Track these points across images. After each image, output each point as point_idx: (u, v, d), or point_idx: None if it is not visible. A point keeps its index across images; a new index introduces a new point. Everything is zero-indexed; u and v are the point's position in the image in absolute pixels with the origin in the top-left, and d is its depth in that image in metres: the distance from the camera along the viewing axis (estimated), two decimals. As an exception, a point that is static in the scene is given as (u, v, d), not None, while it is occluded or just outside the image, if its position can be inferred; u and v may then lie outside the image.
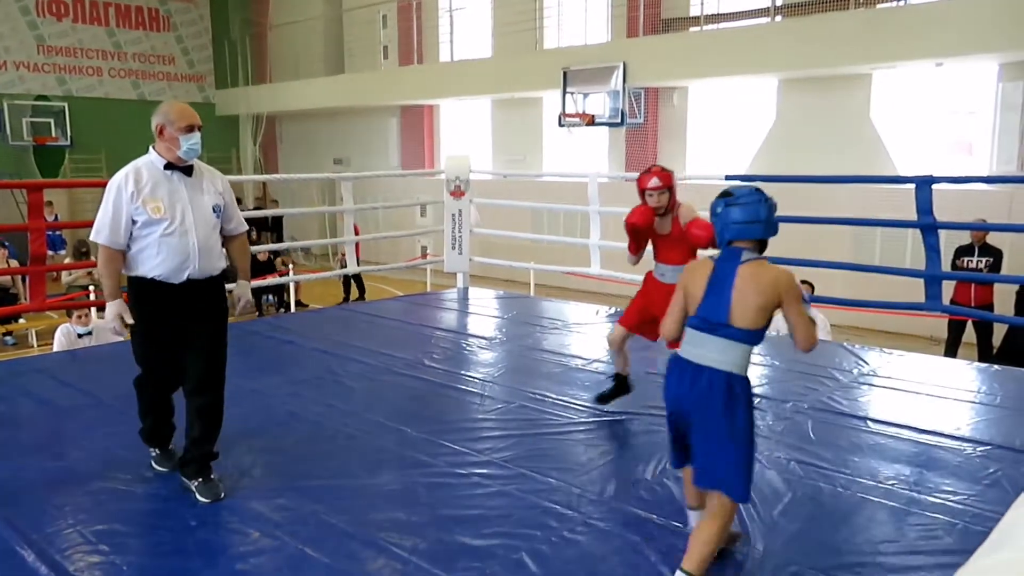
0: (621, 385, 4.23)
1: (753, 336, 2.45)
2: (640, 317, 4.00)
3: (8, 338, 10.28)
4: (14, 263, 10.90)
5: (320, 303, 12.12)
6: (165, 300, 3.22)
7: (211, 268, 3.30)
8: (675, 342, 2.65)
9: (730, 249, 2.53)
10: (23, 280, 10.01)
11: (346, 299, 12.21)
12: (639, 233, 3.94)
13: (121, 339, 3.40)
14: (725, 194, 2.58)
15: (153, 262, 3.18)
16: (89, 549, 2.78)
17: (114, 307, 3.21)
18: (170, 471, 3.43)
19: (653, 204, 3.83)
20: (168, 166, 3.21)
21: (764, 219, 2.50)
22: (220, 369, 3.45)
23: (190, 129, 3.20)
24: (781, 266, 2.52)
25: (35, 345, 9.87)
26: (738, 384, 2.45)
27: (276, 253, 12.81)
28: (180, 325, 3.26)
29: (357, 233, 12.04)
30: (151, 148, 3.26)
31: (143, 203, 3.15)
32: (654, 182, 3.80)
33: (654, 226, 3.91)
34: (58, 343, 6.45)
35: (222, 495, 3.19)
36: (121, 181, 3.15)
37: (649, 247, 4.08)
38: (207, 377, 3.36)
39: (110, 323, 3.23)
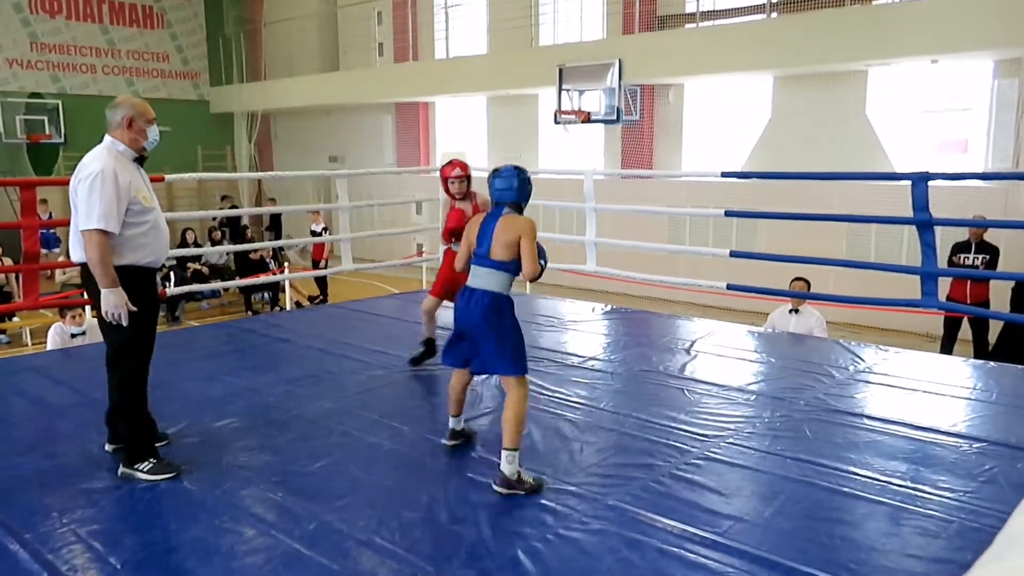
0: (430, 348, 4.97)
1: (508, 266, 3.31)
2: (446, 287, 4.73)
3: (2, 336, 10.25)
4: (8, 261, 10.85)
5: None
6: (151, 284, 3.44)
7: None
8: (465, 274, 3.47)
9: (496, 207, 3.45)
10: (16, 278, 9.96)
11: (323, 298, 12.03)
12: (459, 231, 4.10)
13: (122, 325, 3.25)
14: (495, 171, 3.50)
15: (146, 249, 3.33)
16: (82, 548, 2.76)
17: (119, 294, 3.20)
18: (173, 478, 3.31)
19: (455, 191, 4.67)
20: (135, 158, 3.39)
21: (515, 188, 3.44)
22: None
23: (153, 121, 3.44)
24: (526, 217, 3.42)
25: (29, 343, 9.84)
26: (502, 301, 3.31)
27: (273, 251, 12.79)
28: (152, 308, 3.47)
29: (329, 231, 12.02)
30: (112, 139, 3.34)
31: (136, 192, 3.29)
32: (457, 172, 4.68)
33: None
34: (51, 342, 6.41)
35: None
36: (112, 170, 3.20)
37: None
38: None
39: (116, 310, 3.19)
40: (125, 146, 3.35)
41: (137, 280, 3.30)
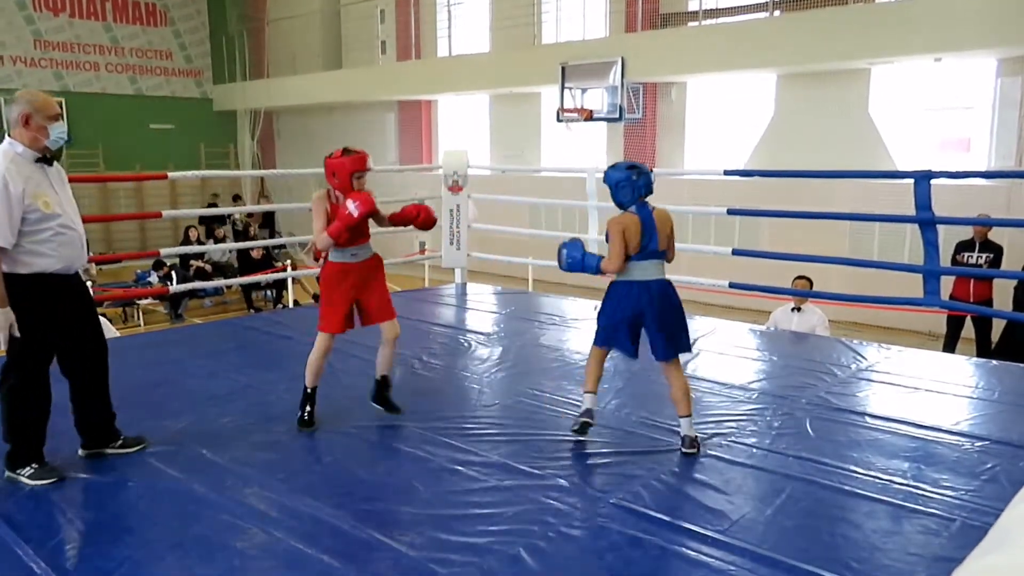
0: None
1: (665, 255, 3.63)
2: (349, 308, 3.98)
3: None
4: None
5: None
6: (60, 293, 3.22)
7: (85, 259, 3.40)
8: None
9: (642, 205, 3.54)
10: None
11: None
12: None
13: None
14: (633, 167, 3.56)
15: (51, 257, 3.14)
16: (84, 545, 2.77)
17: (4, 315, 3.05)
18: (56, 481, 3.22)
19: (359, 186, 3.88)
20: (38, 159, 3.15)
21: (653, 182, 3.61)
22: (106, 350, 3.53)
23: (56, 117, 3.16)
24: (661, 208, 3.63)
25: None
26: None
27: (268, 249, 12.80)
28: (71, 317, 3.29)
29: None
30: (10, 140, 3.11)
31: (34, 198, 3.06)
32: (369, 163, 3.96)
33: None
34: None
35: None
36: (4, 175, 2.99)
37: None
38: (102, 356, 3.46)
39: (2, 332, 3.06)
40: (24, 147, 3.10)
41: (41, 289, 3.12)
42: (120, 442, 3.56)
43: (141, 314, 11.24)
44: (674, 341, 3.61)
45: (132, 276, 12.94)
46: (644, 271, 3.54)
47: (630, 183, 3.53)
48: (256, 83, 18.26)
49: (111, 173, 16.76)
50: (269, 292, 12.37)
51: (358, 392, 4.48)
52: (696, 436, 3.62)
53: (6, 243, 3.01)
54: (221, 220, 14.50)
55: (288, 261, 12.83)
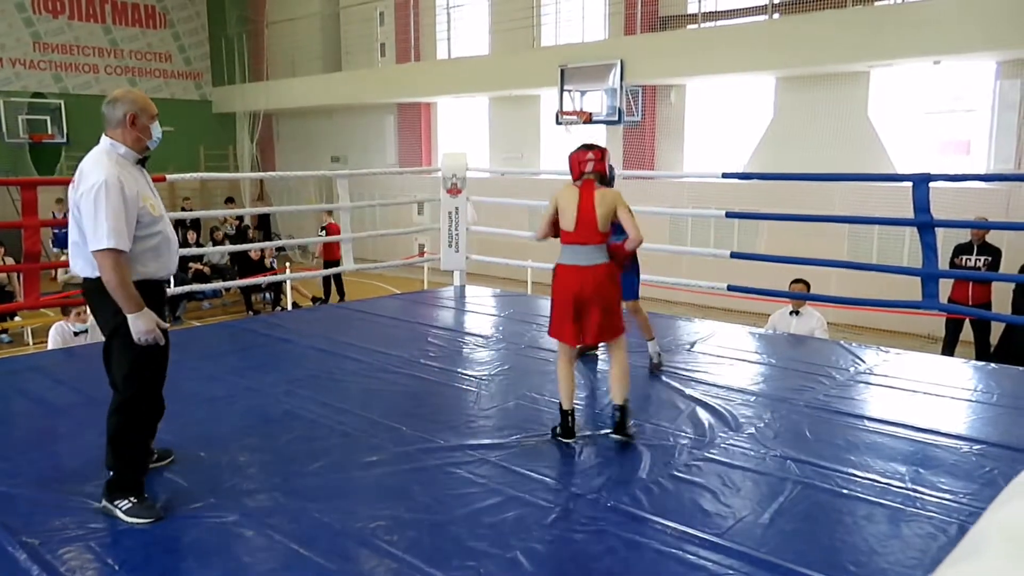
0: None
1: None
2: None
3: (3, 336, 10.26)
4: (10, 261, 10.87)
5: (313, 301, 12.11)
6: (161, 298, 3.14)
7: None
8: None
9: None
10: (18, 278, 9.98)
11: (325, 299, 12.10)
12: None
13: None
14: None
15: (158, 262, 3.05)
16: (81, 549, 2.76)
17: (148, 317, 2.91)
18: (154, 521, 2.94)
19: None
20: (137, 160, 3.07)
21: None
22: None
23: (156, 117, 3.09)
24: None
25: (31, 343, 9.85)
26: None
27: (264, 251, 12.79)
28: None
29: (336, 232, 12.08)
30: (111, 141, 3.01)
31: (143, 200, 2.96)
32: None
33: None
34: (52, 341, 6.42)
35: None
36: (117, 179, 2.87)
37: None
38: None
39: (149, 334, 2.91)
40: (127, 148, 3.01)
41: (151, 295, 2.99)
42: (155, 455, 3.39)
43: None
44: None
45: (131, 278, 12.90)
46: None
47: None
48: (255, 85, 18.27)
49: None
50: (268, 295, 12.37)
51: (356, 394, 4.48)
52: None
53: (125, 246, 2.86)
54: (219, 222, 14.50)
55: (287, 264, 12.84)
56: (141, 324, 2.89)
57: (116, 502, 2.96)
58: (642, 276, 5.04)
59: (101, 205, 2.83)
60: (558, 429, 3.76)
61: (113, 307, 2.91)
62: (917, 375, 4.91)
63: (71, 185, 3.02)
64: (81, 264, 3.00)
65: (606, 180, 3.83)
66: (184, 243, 12.60)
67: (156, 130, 3.09)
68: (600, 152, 3.79)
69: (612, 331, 3.71)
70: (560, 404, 3.76)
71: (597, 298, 3.62)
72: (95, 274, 2.92)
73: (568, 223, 3.68)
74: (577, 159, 3.78)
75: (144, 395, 3.04)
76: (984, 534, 0.68)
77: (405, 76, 15.46)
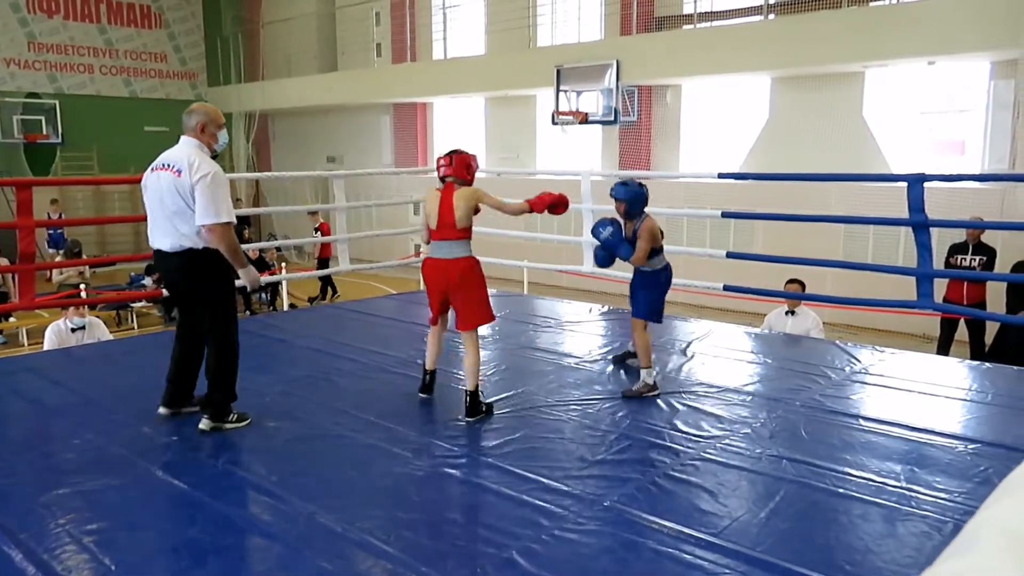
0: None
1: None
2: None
3: (-2, 336, 10.23)
4: (4, 261, 10.84)
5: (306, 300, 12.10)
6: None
7: None
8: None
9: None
10: (13, 278, 9.95)
11: (322, 296, 12.25)
12: None
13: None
14: (640, 185, 4.53)
15: None
16: (77, 549, 2.76)
17: (252, 270, 3.94)
18: (248, 424, 3.86)
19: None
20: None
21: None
22: None
23: (224, 126, 3.89)
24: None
25: (25, 344, 9.82)
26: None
27: (261, 250, 12.78)
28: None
29: (327, 232, 12.18)
30: (190, 141, 3.71)
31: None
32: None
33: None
34: (48, 341, 6.41)
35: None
36: (221, 169, 3.68)
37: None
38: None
39: (257, 282, 4.14)
40: (206, 148, 3.75)
41: (225, 262, 3.72)
42: (194, 402, 4.02)
43: (135, 317, 11.20)
44: None
45: (126, 279, 12.90)
46: (665, 258, 4.57)
47: (644, 198, 4.44)
48: (251, 86, 18.25)
49: (105, 176, 16.73)
50: (264, 295, 12.35)
51: (352, 394, 4.48)
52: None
53: (232, 219, 3.64)
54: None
55: (284, 264, 12.83)
56: (250, 275, 3.92)
57: (225, 421, 3.83)
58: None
59: (218, 188, 3.60)
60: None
61: (213, 272, 3.72)
62: (912, 374, 4.93)
63: (166, 171, 3.64)
64: (173, 239, 3.65)
65: (466, 181, 4.25)
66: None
67: (223, 136, 3.86)
68: (449, 158, 4.24)
69: (464, 322, 4.14)
70: (424, 365, 4.41)
71: (456, 289, 4.11)
72: (200, 244, 3.64)
73: (432, 222, 4.13)
74: (436, 166, 4.29)
75: (235, 336, 3.86)
76: (978, 530, 0.69)
77: (401, 76, 15.46)
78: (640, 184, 4.51)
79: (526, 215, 4.41)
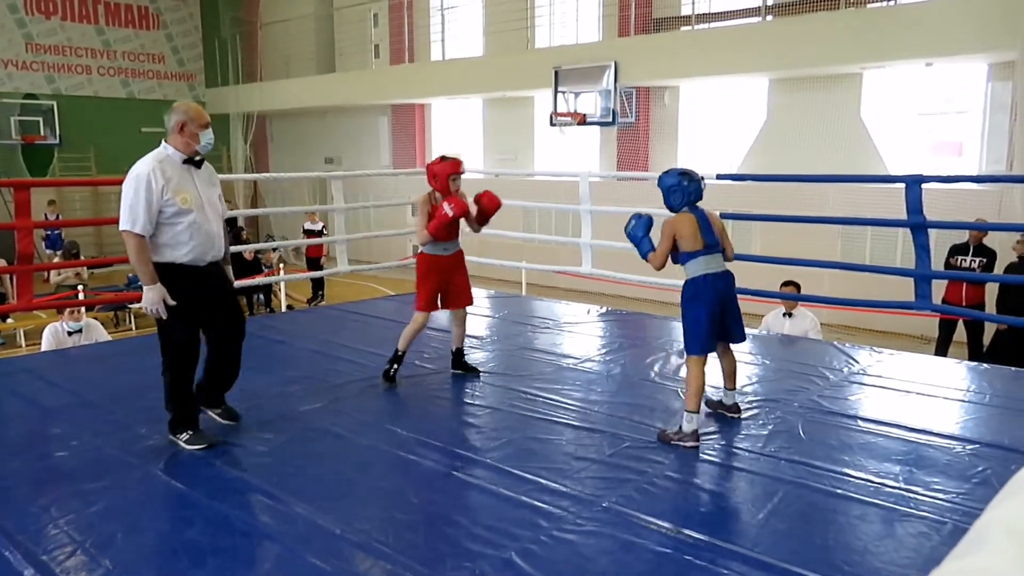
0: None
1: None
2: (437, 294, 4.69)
3: (-4, 338, 10.22)
4: (2, 262, 10.83)
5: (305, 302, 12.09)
6: (194, 281, 3.56)
7: (224, 250, 3.74)
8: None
9: (695, 207, 3.87)
10: (11, 279, 9.94)
11: (314, 295, 12.36)
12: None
13: (156, 322, 3.60)
14: (684, 173, 3.87)
15: (185, 248, 3.51)
16: (75, 549, 2.75)
17: (158, 291, 3.45)
18: (206, 448, 3.59)
19: (456, 188, 4.52)
20: (186, 160, 3.55)
21: (700, 188, 3.91)
22: (243, 326, 3.93)
23: (207, 126, 3.59)
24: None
25: (23, 345, 9.81)
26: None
27: (259, 252, 12.77)
28: (204, 301, 3.63)
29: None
30: (164, 143, 3.55)
31: (173, 194, 3.45)
32: (463, 167, 4.54)
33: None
34: (46, 343, 6.40)
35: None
36: (149, 173, 3.40)
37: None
38: (236, 333, 3.84)
39: (153, 305, 3.45)
40: (174, 149, 3.54)
41: (176, 277, 3.50)
42: (220, 410, 3.92)
43: (133, 318, 11.19)
44: (742, 324, 4.03)
45: (124, 280, 12.90)
46: (713, 263, 3.85)
47: (681, 188, 3.84)
48: (249, 87, 18.24)
49: (103, 176, 16.71)
50: (260, 296, 12.35)
51: (351, 395, 4.48)
52: (738, 403, 4.14)
53: (144, 231, 3.41)
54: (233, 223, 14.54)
55: (282, 265, 12.81)
56: (149, 295, 3.46)
57: (178, 434, 3.64)
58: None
59: (129, 194, 3.43)
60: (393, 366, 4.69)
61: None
62: (910, 375, 4.93)
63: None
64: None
65: (434, 188, 4.55)
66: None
67: (205, 136, 3.58)
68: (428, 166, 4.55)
69: (458, 302, 4.73)
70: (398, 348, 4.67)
71: (456, 274, 4.65)
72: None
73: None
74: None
75: (180, 354, 3.61)
76: (985, 530, 0.69)
77: (399, 77, 15.46)
78: (683, 173, 3.87)
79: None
